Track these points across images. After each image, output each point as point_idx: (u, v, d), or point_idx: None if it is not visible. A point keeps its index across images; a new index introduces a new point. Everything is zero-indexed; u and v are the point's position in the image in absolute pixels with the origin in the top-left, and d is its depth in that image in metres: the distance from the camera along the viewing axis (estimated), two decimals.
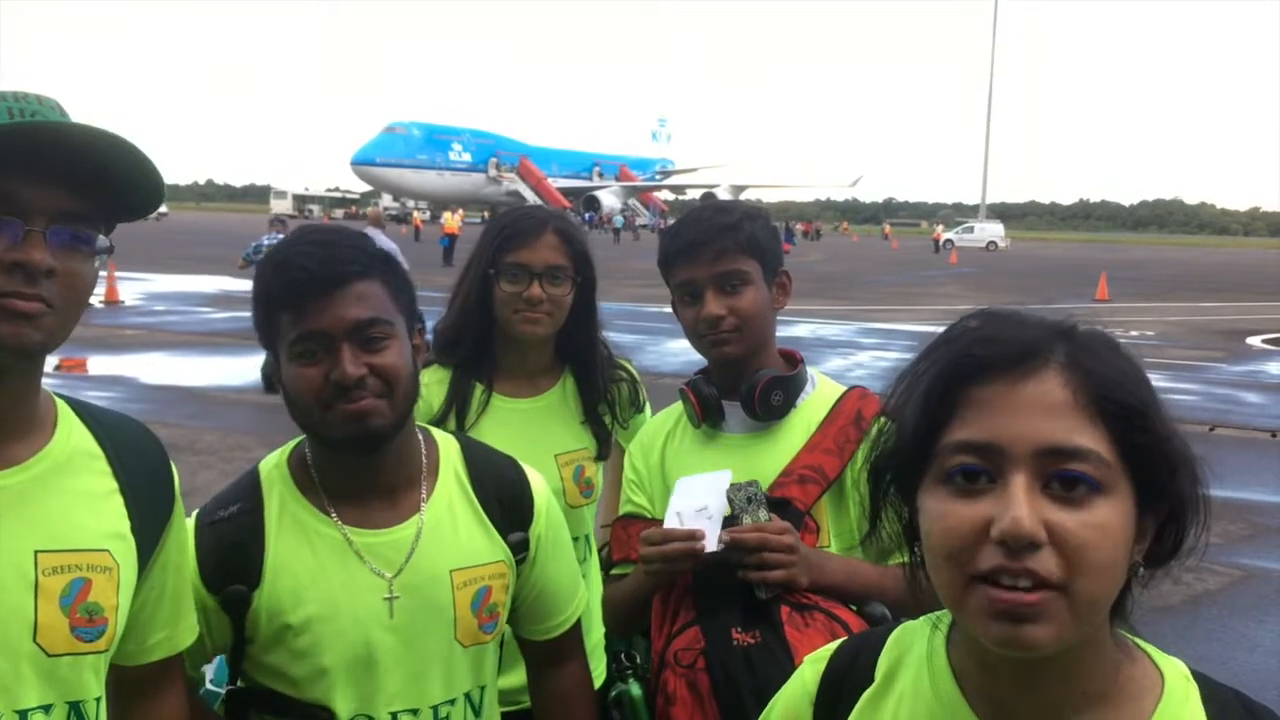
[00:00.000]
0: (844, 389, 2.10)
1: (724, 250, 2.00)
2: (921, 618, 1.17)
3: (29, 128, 1.19)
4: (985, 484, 0.97)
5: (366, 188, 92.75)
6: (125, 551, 1.36)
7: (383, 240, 14.69)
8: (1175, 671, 1.07)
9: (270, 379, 1.71)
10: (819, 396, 2.08)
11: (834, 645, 1.25)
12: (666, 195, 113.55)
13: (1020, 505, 0.94)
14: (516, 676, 2.03)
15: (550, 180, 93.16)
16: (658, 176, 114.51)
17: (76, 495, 1.32)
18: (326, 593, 1.61)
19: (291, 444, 1.74)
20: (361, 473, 1.66)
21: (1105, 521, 0.95)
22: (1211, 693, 1.06)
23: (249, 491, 1.67)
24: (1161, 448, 0.99)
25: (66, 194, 1.22)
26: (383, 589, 1.63)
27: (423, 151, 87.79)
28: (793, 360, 2.12)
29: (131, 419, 1.48)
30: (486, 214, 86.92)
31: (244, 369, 12.76)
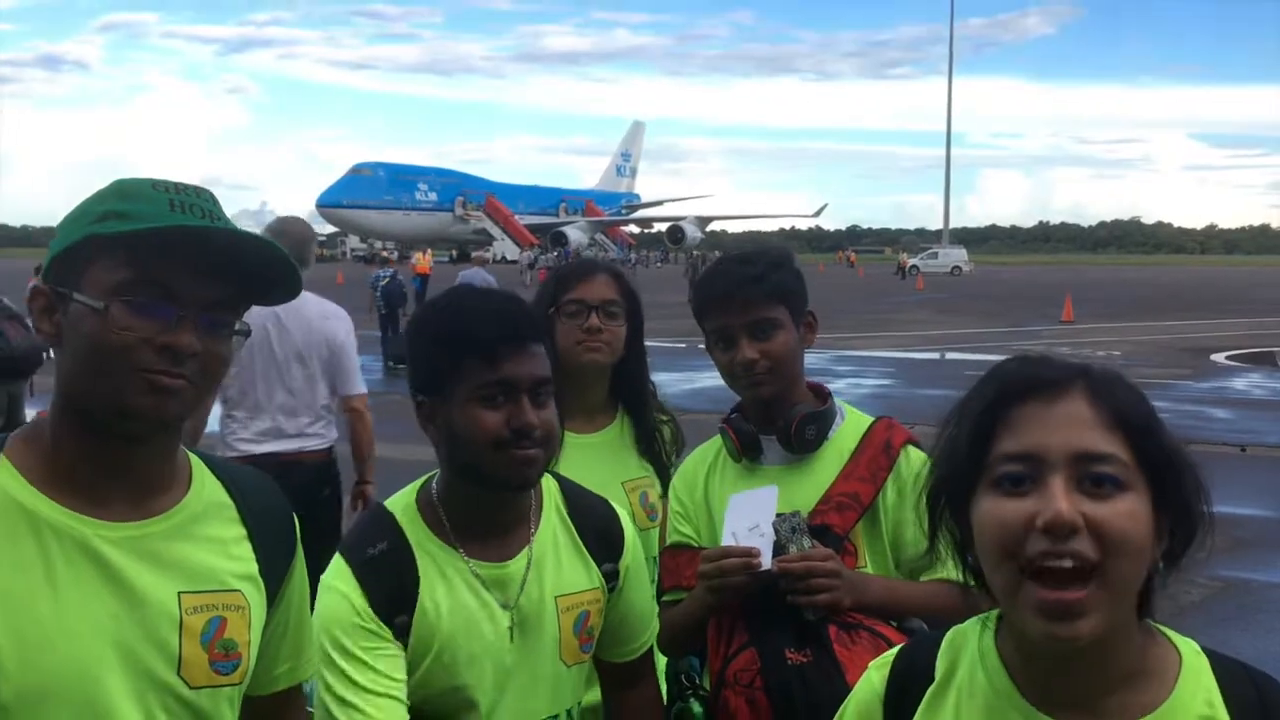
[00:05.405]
0: (871, 419, 2.26)
1: (753, 300, 2.15)
2: (970, 620, 1.35)
3: (197, 233, 1.33)
4: (1029, 487, 1.17)
5: (332, 229, 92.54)
6: (254, 592, 1.49)
7: (486, 276, 14.93)
8: (1189, 648, 1.27)
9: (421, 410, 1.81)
10: (849, 427, 2.24)
11: (895, 650, 1.42)
12: (633, 229, 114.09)
13: (1059, 499, 1.15)
14: (590, 695, 2.15)
15: (517, 218, 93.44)
16: (624, 211, 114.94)
17: (212, 541, 1.46)
18: (463, 620, 1.79)
19: (414, 487, 1.90)
20: (495, 510, 1.84)
21: (1131, 510, 1.16)
22: (1220, 663, 1.26)
23: (391, 529, 1.84)
24: (1169, 455, 1.21)
25: (218, 286, 1.36)
26: (505, 616, 1.81)
27: (388, 192, 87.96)
28: (821, 394, 2.27)
29: (256, 471, 1.63)
30: (454, 252, 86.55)
31: None
